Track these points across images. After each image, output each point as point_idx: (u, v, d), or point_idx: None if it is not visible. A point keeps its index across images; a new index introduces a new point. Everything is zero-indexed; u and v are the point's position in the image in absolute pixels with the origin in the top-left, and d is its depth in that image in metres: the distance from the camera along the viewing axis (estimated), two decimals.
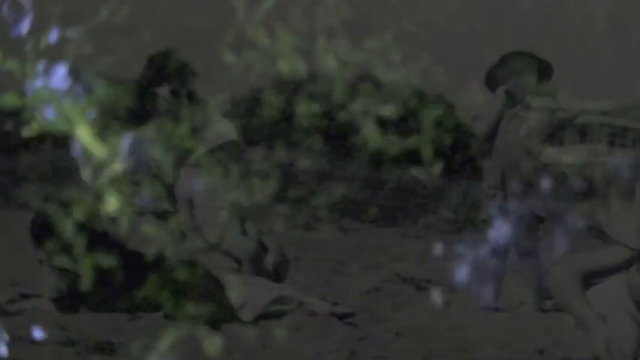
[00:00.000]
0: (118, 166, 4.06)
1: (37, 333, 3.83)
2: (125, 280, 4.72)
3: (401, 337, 4.58)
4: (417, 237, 15.21)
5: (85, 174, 4.59)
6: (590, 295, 3.50)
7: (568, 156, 26.66)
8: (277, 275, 5.47)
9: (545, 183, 6.30)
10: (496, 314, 5.95)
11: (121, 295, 4.70)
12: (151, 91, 5.19)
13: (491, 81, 6.40)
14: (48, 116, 1.77)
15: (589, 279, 3.52)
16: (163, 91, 5.23)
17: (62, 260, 4.68)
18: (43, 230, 4.67)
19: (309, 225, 15.41)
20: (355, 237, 14.27)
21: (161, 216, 5.08)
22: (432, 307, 5.85)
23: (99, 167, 4.43)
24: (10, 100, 1.71)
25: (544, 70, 6.31)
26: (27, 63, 1.81)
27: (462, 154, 30.14)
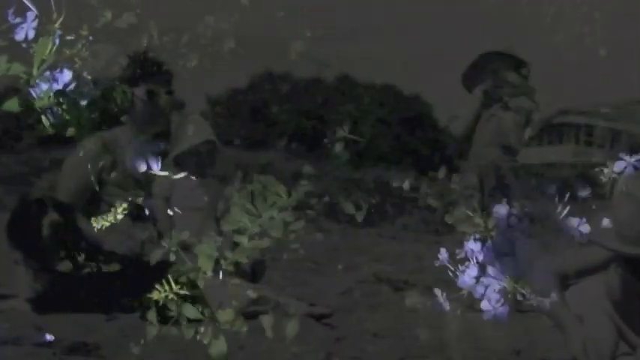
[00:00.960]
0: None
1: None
2: (102, 281, 4.70)
3: (378, 337, 4.57)
4: (394, 237, 15.19)
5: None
6: (568, 295, 3.51)
7: (546, 156, 26.76)
8: (254, 276, 5.46)
9: (522, 183, 6.31)
10: (473, 315, 5.96)
11: (98, 296, 4.67)
12: (128, 91, 5.16)
13: (469, 81, 6.41)
14: (52, 119, 1.78)
15: (567, 279, 3.52)
16: (140, 90, 5.21)
17: (38, 260, 4.66)
18: (19, 230, 4.64)
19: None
20: (332, 237, 14.24)
21: (137, 216, 5.06)
22: (410, 307, 5.85)
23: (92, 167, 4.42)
24: (12, 105, 1.71)
25: (522, 70, 6.32)
26: (32, 67, 1.81)
27: (438, 154, 30.18)
